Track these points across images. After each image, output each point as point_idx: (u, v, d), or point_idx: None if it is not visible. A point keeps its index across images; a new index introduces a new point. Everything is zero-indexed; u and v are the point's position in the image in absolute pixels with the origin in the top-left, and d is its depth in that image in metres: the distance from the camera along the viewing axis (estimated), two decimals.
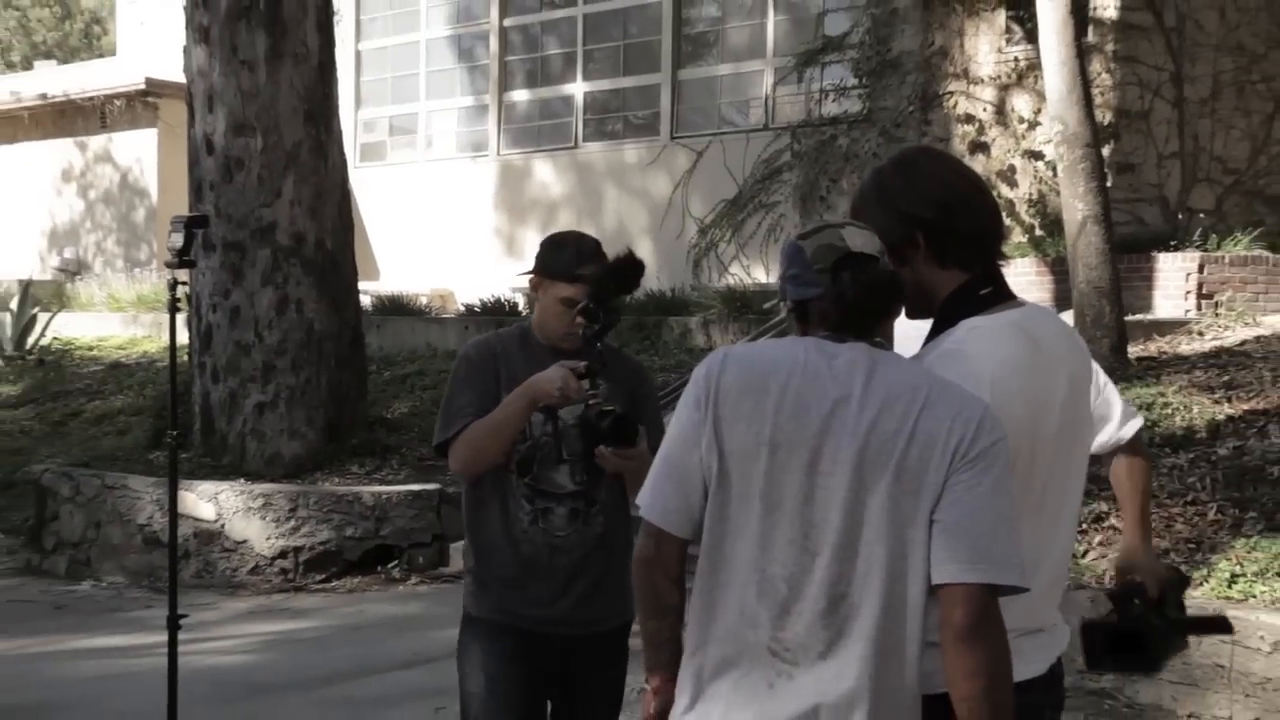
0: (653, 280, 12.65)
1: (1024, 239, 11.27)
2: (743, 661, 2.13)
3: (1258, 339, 8.54)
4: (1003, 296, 2.35)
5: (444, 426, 3.19)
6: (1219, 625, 3.18)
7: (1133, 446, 2.72)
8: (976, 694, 2.02)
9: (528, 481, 3.16)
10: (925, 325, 2.42)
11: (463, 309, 14.08)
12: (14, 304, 14.79)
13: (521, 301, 13.12)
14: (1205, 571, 5.44)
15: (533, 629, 3.14)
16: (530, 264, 3.26)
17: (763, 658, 2.11)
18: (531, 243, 17.82)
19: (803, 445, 2.11)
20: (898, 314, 2.27)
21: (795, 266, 2.22)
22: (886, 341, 2.24)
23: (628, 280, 3.03)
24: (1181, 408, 7.10)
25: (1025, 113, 11.77)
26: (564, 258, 3.17)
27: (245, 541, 8.11)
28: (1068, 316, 2.75)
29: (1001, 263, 2.46)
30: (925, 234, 2.32)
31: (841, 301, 2.17)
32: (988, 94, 12.09)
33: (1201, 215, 10.77)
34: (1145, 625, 2.56)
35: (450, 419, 3.17)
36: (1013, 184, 11.71)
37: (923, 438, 2.08)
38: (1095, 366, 2.66)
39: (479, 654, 3.17)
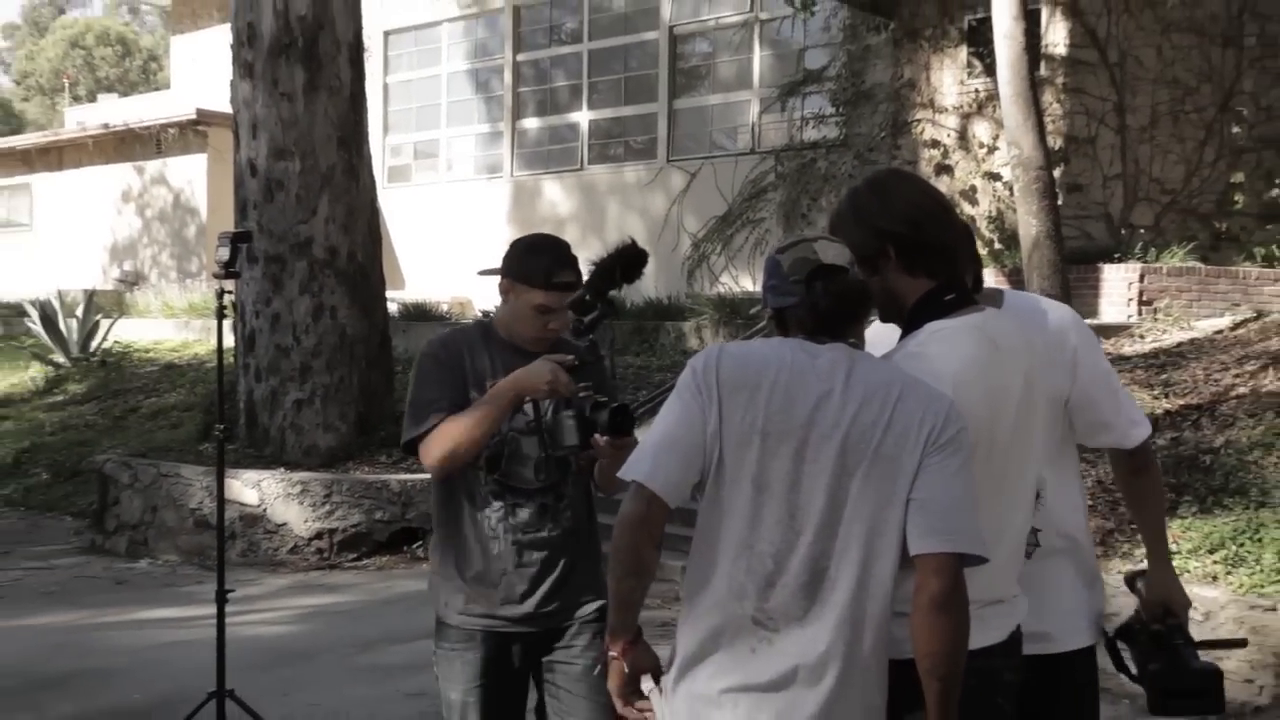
0: (650, 289, 12.67)
1: (984, 252, 11.26)
2: (729, 630, 2.13)
3: (1191, 341, 8.54)
4: (965, 301, 2.34)
5: (414, 423, 2.81)
6: (1236, 644, 3.21)
7: (1145, 460, 2.68)
8: (941, 652, 2.04)
9: (496, 478, 2.83)
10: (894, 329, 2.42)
11: (480, 314, 14.03)
12: (80, 311, 14.78)
13: None
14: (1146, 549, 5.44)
15: (505, 630, 2.85)
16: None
17: (746, 627, 2.12)
18: None
19: (791, 435, 2.11)
20: (866, 318, 2.26)
21: (774, 278, 2.23)
22: (859, 342, 2.24)
23: (632, 268, 2.75)
24: None
25: (985, 139, 11.77)
26: (541, 265, 2.82)
27: (285, 524, 8.10)
28: (1060, 308, 2.68)
29: (972, 271, 2.45)
30: (896, 246, 2.32)
31: (815, 309, 2.18)
32: (951, 122, 12.09)
33: (1142, 231, 10.78)
34: (1195, 670, 2.54)
35: (421, 415, 2.80)
36: (974, 202, 11.71)
37: (898, 428, 2.10)
38: (1108, 366, 2.62)
39: (455, 661, 2.87)
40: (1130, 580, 2.74)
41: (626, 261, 2.74)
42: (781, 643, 2.10)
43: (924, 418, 2.10)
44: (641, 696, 2.23)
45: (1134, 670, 2.63)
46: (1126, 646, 2.64)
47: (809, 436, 2.10)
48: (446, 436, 2.76)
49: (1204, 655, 2.61)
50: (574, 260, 2.86)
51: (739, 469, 2.12)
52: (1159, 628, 2.61)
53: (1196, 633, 2.70)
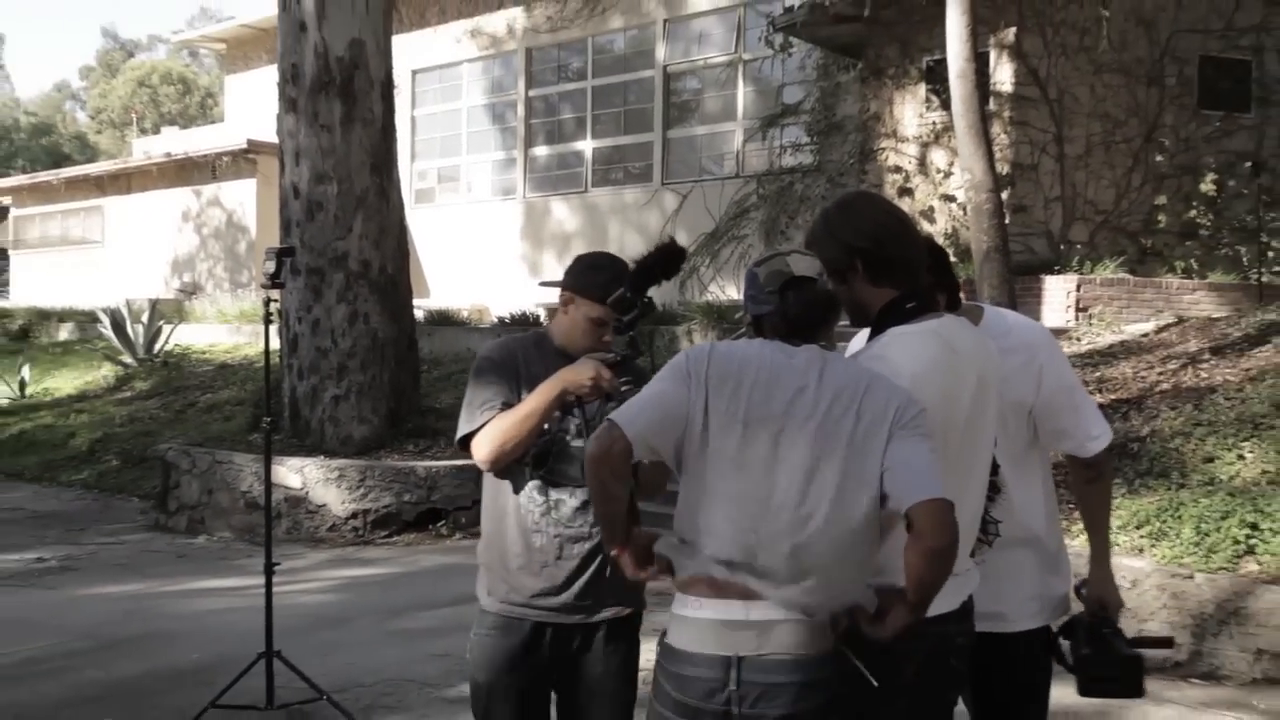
0: None
1: None
2: (714, 587, 2.10)
3: (1122, 343, 8.55)
4: (926, 309, 2.33)
5: (468, 420, 2.70)
6: (1165, 643, 3.12)
7: (1099, 471, 2.65)
8: (933, 581, 2.00)
9: (542, 474, 2.67)
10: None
11: (496, 320, 14.06)
12: (145, 318, 14.77)
13: (543, 314, 13.07)
14: (1080, 526, 5.43)
15: (541, 620, 2.68)
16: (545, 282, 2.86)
17: (735, 589, 2.10)
18: (551, 267, 17.71)
19: (770, 423, 2.10)
20: (834, 324, 2.24)
21: (752, 289, 2.22)
22: (830, 344, 2.23)
23: (672, 265, 2.57)
24: None
25: (941, 165, 11.77)
26: (600, 280, 2.67)
27: (325, 505, 8.09)
28: (1031, 326, 2.67)
29: (948, 288, 2.44)
30: (862, 260, 2.30)
31: (787, 316, 2.17)
32: (912, 150, 12.08)
33: (1078, 246, 10.79)
34: (1118, 657, 2.53)
35: (474, 413, 2.68)
36: (932, 221, 11.71)
37: (866, 416, 2.08)
38: (1073, 382, 2.59)
39: (489, 649, 2.71)
40: (1076, 589, 2.70)
41: (666, 259, 2.57)
42: (769, 604, 2.08)
43: (889, 403, 2.09)
44: (652, 563, 2.17)
45: (1069, 660, 2.61)
46: (1068, 640, 2.62)
47: (785, 425, 2.09)
48: (496, 432, 2.64)
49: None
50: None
51: (722, 452, 2.11)
52: (1093, 620, 2.60)
53: (1125, 600, 2.68)
